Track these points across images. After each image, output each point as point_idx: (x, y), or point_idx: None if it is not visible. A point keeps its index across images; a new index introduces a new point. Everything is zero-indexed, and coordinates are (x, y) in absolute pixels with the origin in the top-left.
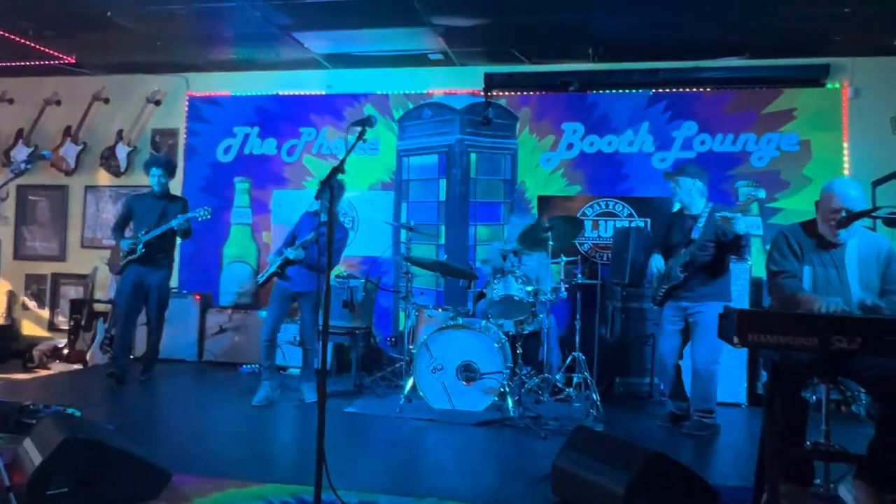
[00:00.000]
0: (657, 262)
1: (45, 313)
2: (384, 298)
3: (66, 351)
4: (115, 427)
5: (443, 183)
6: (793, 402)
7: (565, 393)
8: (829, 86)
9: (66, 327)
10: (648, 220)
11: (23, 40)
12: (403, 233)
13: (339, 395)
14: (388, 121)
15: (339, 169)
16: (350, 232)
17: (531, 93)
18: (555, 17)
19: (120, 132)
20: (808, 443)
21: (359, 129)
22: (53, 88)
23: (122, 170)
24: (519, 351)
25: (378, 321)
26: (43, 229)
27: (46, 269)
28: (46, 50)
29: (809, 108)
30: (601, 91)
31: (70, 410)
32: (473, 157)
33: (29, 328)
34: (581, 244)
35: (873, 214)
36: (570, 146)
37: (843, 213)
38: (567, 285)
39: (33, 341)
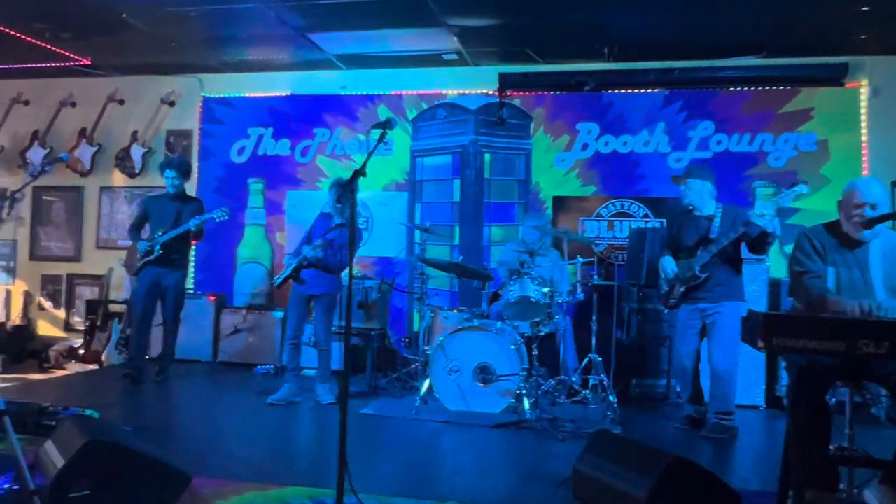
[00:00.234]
0: (669, 265)
1: (61, 314)
2: (398, 299)
3: (81, 351)
4: (132, 428)
5: (457, 183)
6: (818, 406)
7: (582, 395)
8: (847, 85)
9: (82, 328)
10: (664, 221)
11: (38, 42)
12: (418, 234)
13: (355, 397)
14: (401, 121)
15: (360, 172)
16: (364, 233)
17: (546, 93)
18: (570, 16)
19: (134, 133)
20: (832, 447)
21: (379, 131)
22: (68, 90)
23: (137, 171)
24: (535, 353)
25: (392, 322)
26: (58, 230)
27: (62, 269)
28: (62, 52)
29: (827, 108)
30: (616, 91)
31: (88, 412)
32: (487, 157)
33: (45, 328)
34: (596, 245)
35: None
36: (585, 146)
37: (867, 209)
38: (583, 286)
39: (49, 342)
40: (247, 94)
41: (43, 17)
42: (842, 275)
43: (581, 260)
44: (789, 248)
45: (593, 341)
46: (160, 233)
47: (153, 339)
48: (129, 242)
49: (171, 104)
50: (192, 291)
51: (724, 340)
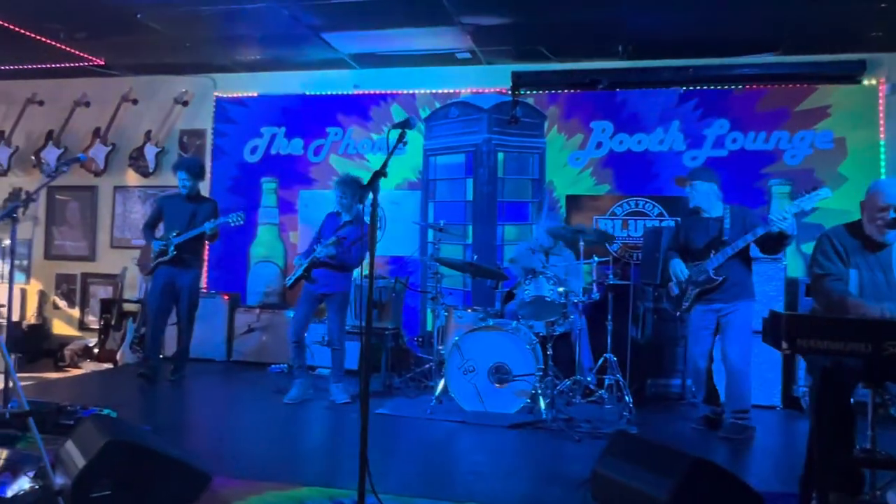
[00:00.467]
0: (679, 268)
1: (76, 313)
2: (411, 298)
3: (96, 350)
4: (150, 428)
5: (470, 182)
6: (842, 408)
7: (597, 395)
8: (864, 82)
9: (97, 327)
10: (679, 220)
11: (53, 42)
12: (431, 233)
13: (370, 396)
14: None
15: (381, 173)
16: (378, 231)
17: (559, 91)
18: (584, 14)
19: (148, 133)
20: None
21: (398, 131)
22: (82, 90)
23: (151, 170)
24: (550, 352)
25: (405, 321)
26: (72, 229)
27: (76, 268)
28: (76, 52)
29: (844, 105)
30: (631, 89)
31: (106, 411)
32: (501, 156)
33: (60, 327)
34: (611, 244)
35: None
36: (599, 145)
37: (892, 212)
38: (598, 286)
39: (64, 341)
40: (260, 94)
41: (57, 17)
42: (864, 277)
43: (596, 259)
44: (805, 247)
45: (608, 341)
46: (175, 233)
47: (168, 339)
48: (142, 242)
49: (185, 104)
50: (205, 291)
51: (739, 339)
